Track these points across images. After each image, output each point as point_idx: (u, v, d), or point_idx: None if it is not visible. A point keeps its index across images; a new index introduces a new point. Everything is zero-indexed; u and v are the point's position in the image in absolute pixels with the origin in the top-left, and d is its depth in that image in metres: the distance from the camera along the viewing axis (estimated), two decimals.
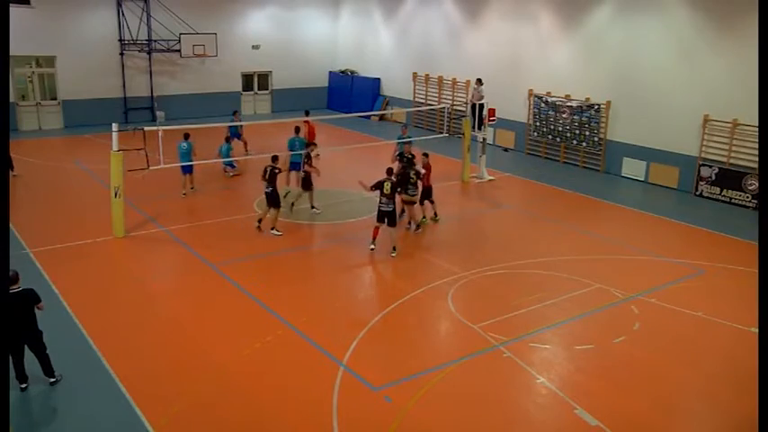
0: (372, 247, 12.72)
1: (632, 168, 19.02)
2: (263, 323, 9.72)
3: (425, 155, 14.36)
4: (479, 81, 18.99)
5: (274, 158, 13.60)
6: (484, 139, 18.57)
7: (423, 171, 13.99)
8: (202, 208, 15.42)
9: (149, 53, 24.97)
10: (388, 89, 28.05)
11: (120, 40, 24.30)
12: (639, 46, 18.48)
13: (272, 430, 7.36)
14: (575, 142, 20.45)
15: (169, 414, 7.48)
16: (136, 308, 10.12)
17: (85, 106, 23.88)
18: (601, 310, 10.45)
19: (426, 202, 14.39)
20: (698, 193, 17.39)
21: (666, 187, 18.11)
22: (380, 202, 12.50)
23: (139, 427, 7.25)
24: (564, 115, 20.57)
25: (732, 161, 16.73)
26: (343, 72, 29.47)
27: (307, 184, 14.62)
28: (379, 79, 28.35)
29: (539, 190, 17.97)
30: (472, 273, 11.73)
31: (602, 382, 8.45)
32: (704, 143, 17.24)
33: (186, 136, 15.69)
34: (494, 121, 18.89)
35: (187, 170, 15.74)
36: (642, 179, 18.78)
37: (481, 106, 18.39)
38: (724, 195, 16.86)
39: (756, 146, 15.77)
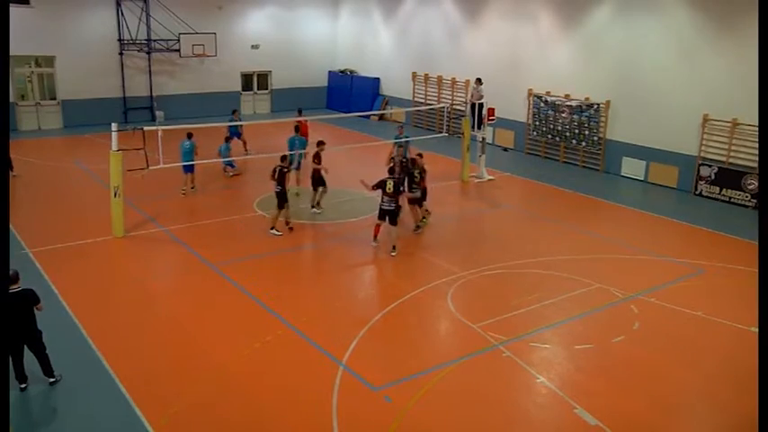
0: (374, 243, 12.76)
1: (632, 168, 19.02)
2: (263, 323, 9.72)
3: (419, 155, 14.28)
4: (479, 81, 18.98)
5: (283, 158, 13.62)
6: (483, 138, 18.57)
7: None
8: (202, 208, 15.42)
9: (149, 53, 24.96)
10: (387, 89, 28.04)
11: (120, 40, 24.29)
12: (639, 45, 18.48)
13: (272, 430, 7.36)
14: (574, 142, 20.45)
15: (169, 414, 7.47)
16: (135, 308, 10.11)
17: (85, 106, 23.87)
18: (600, 310, 10.45)
19: (411, 207, 14.03)
20: (697, 192, 17.39)
21: (666, 187, 18.11)
22: (382, 201, 12.53)
23: (139, 427, 7.25)
24: (563, 115, 20.57)
25: (731, 161, 16.73)
26: (342, 72, 29.47)
27: (319, 181, 14.61)
28: (378, 79, 28.34)
29: (538, 189, 17.97)
30: (472, 272, 11.72)
31: (602, 381, 8.45)
32: (704, 143, 17.24)
33: (189, 135, 15.74)
34: (493, 120, 18.89)
35: (188, 169, 15.74)
36: (642, 179, 18.78)
37: (481, 106, 18.39)
38: (723, 195, 16.86)
39: (756, 145, 15.77)
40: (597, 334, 9.67)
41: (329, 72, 29.93)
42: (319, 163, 14.53)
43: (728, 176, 16.70)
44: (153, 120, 24.95)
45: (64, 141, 22.28)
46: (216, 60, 26.07)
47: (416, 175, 13.61)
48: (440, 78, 25.11)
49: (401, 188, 12.70)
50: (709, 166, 17.10)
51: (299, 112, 19.59)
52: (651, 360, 9.00)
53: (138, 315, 9.87)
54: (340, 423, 7.36)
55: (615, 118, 19.36)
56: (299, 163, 16.33)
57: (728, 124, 16.65)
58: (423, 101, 25.62)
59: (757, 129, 14.90)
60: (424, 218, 14.03)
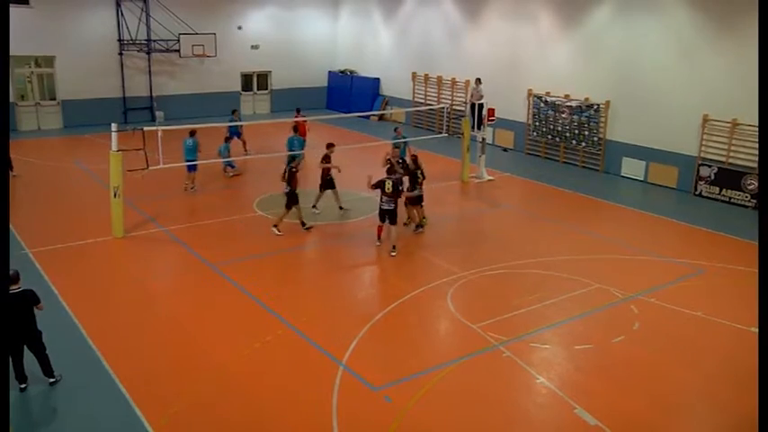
0: (378, 243, 12.83)
1: (631, 168, 19.03)
2: (263, 323, 9.73)
3: (414, 156, 14.23)
4: (478, 81, 18.99)
5: (292, 158, 13.63)
6: (483, 138, 18.58)
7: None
8: (202, 208, 15.43)
9: (148, 53, 24.98)
10: (387, 89, 28.06)
11: (120, 40, 24.31)
12: (639, 46, 18.50)
13: (272, 430, 7.36)
14: (574, 142, 20.46)
15: (169, 414, 7.48)
16: (135, 308, 10.12)
17: (85, 106, 23.89)
18: (600, 310, 10.46)
19: (410, 207, 13.93)
20: (697, 192, 17.40)
21: (666, 187, 18.12)
22: (381, 201, 12.55)
23: (139, 427, 7.25)
24: (563, 115, 20.58)
25: (731, 161, 16.74)
26: (342, 72, 29.48)
27: (329, 183, 14.61)
28: (378, 79, 28.36)
29: (538, 190, 17.98)
30: (472, 272, 11.73)
31: (602, 381, 8.46)
32: (703, 143, 17.25)
33: (192, 133, 15.82)
34: (493, 120, 18.89)
35: (192, 168, 15.82)
36: (641, 179, 18.79)
37: (480, 106, 18.39)
38: (723, 195, 16.87)
39: (756, 145, 15.78)
40: (597, 334, 9.67)
41: (329, 72, 29.95)
42: (329, 164, 14.51)
43: (728, 177, 16.71)
44: (153, 120, 24.98)
45: (64, 141, 22.29)
46: (216, 60, 26.09)
47: (419, 174, 13.60)
48: (440, 79, 25.13)
49: (400, 188, 12.72)
50: (709, 166, 17.11)
51: (298, 112, 19.59)
52: (651, 360, 9.01)
53: (138, 315, 9.88)
54: (340, 423, 7.37)
55: (615, 118, 19.37)
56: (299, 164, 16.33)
57: (728, 124, 16.66)
58: (423, 101, 25.64)
59: (757, 129, 14.92)
60: (424, 217, 14.02)
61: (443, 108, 22.48)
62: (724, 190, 16.85)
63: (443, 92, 25.00)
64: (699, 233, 14.62)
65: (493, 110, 18.52)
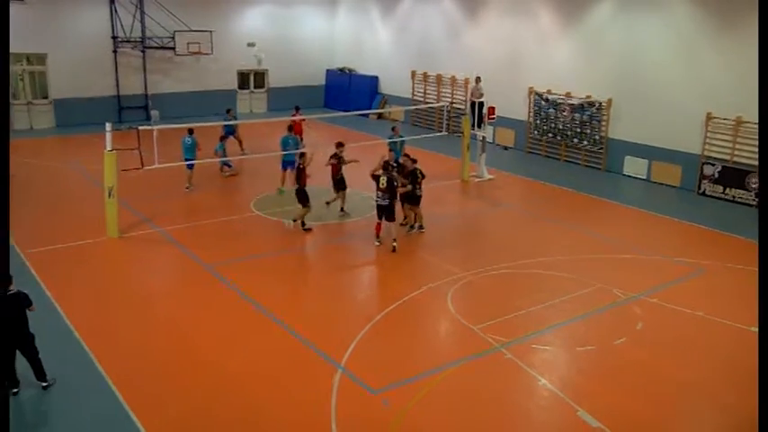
0: (377, 243, 12.81)
1: (634, 167, 19.05)
2: (260, 325, 9.72)
3: (407, 155, 14.15)
4: (478, 79, 19.00)
5: (301, 155, 13.64)
6: (483, 137, 18.58)
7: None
8: (198, 208, 15.41)
9: (143, 51, 24.95)
10: (386, 87, 28.07)
11: (114, 38, 24.28)
12: (641, 43, 18.51)
13: None
14: (575, 140, 20.47)
15: (163, 418, 7.48)
16: (130, 310, 10.10)
17: (78, 105, 23.83)
18: (602, 311, 10.47)
19: (408, 207, 13.81)
20: (701, 191, 17.41)
21: (669, 186, 18.14)
22: (376, 197, 12.61)
23: (134, 431, 7.24)
24: (564, 113, 20.60)
25: (735, 159, 16.76)
26: (340, 70, 29.48)
27: (341, 183, 14.55)
28: (377, 77, 28.36)
29: (539, 189, 17.99)
30: (472, 273, 11.74)
31: (604, 383, 8.47)
32: (707, 141, 17.27)
33: (191, 131, 15.93)
34: (493, 119, 18.92)
35: (191, 166, 15.90)
36: (644, 178, 18.80)
37: (481, 104, 18.41)
38: (727, 194, 16.88)
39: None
40: (599, 335, 9.68)
41: (327, 70, 29.94)
42: (338, 163, 14.37)
43: (732, 175, 16.72)
44: (148, 119, 24.91)
45: (57, 141, 22.27)
46: (212, 58, 26.07)
47: (418, 174, 13.51)
48: (439, 76, 25.13)
49: (395, 183, 12.72)
50: (713, 164, 17.13)
51: (297, 110, 19.55)
52: (654, 361, 9.01)
53: (133, 318, 9.87)
54: (338, 426, 7.37)
55: (617, 116, 19.38)
56: (294, 163, 16.30)
57: (732, 122, 16.68)
58: (422, 99, 25.63)
59: (757, 127, 14.89)
60: (421, 226, 13.83)
61: (443, 106, 22.48)
62: (728, 189, 16.86)
63: (443, 90, 25.01)
64: (702, 232, 14.64)
65: (493, 108, 18.54)
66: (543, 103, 21.19)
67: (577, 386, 8.35)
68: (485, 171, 18.47)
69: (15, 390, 7.86)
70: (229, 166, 17.98)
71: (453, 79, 24.32)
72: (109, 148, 12.74)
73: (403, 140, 16.59)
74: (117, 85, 24.76)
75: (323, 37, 29.66)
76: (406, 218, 13.93)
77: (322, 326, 9.76)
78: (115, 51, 24.45)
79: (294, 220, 13.52)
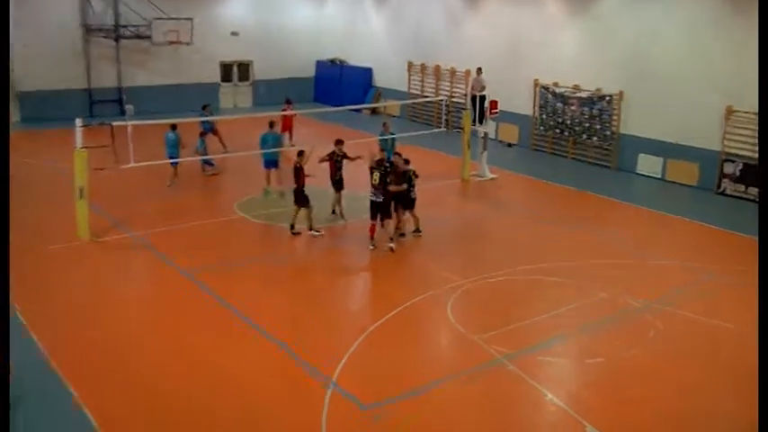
0: (371, 247, 12.85)
1: (648, 165, 19.15)
2: (244, 338, 9.73)
3: (398, 154, 14.17)
4: (479, 70, 19.08)
5: (300, 153, 13.68)
6: (485, 133, 18.67)
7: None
8: (178, 210, 15.40)
9: (117, 40, 24.95)
10: (380, 80, 28.15)
11: (85, 26, 24.29)
12: (655, 31, 18.61)
13: None
14: (584, 136, 20.58)
15: None
16: (101, 322, 10.08)
17: (45, 99, 23.81)
18: (612, 320, 10.53)
19: (401, 211, 13.72)
20: (720, 190, 17.50)
21: (685, 185, 18.22)
22: (370, 193, 12.73)
23: None
24: (572, 107, 20.71)
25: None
26: (331, 61, 29.56)
27: (339, 183, 14.57)
28: (370, 69, 28.45)
29: (545, 189, 18.08)
30: (473, 280, 11.79)
31: (614, 397, 8.52)
32: (727, 136, 17.36)
33: (173, 127, 16.10)
34: (496, 114, 18.99)
35: (174, 163, 16.04)
36: (659, 176, 18.90)
37: (482, 98, 18.49)
38: (749, 193, 16.88)
39: None
40: (609, 346, 9.74)
41: (317, 62, 30.02)
42: (334, 161, 14.39)
43: (755, 173, 16.68)
44: (122, 114, 24.90)
45: (21, 137, 22.12)
46: (193, 49, 26.05)
47: (411, 175, 13.46)
48: (438, 68, 25.23)
49: (388, 180, 12.78)
50: (734, 161, 17.19)
51: (288, 103, 19.52)
52: (667, 374, 9.06)
53: (104, 330, 9.81)
54: None
55: (629, 110, 19.49)
56: (277, 162, 16.37)
57: (755, 116, 16.73)
58: (419, 92, 25.74)
59: (757, 127, 14.97)
60: (415, 228, 13.83)
61: (442, 100, 22.59)
62: (750, 188, 16.86)
63: (442, 83, 25.11)
64: (721, 235, 14.71)
65: (496, 102, 18.62)
66: (550, 96, 21.30)
67: (586, 401, 8.41)
68: (486, 170, 18.55)
69: None
70: (211, 165, 18.02)
71: (453, 71, 24.42)
72: (79, 146, 12.75)
73: (394, 138, 16.60)
74: (88, 78, 24.78)
75: (312, 25, 29.71)
76: (399, 224, 13.66)
77: (312, 337, 9.79)
78: (86, 40, 24.45)
79: (311, 228, 13.56)
